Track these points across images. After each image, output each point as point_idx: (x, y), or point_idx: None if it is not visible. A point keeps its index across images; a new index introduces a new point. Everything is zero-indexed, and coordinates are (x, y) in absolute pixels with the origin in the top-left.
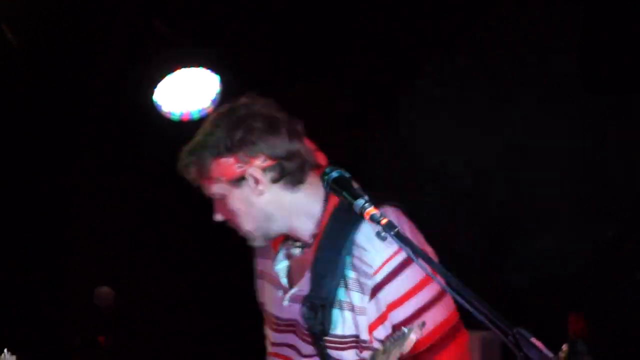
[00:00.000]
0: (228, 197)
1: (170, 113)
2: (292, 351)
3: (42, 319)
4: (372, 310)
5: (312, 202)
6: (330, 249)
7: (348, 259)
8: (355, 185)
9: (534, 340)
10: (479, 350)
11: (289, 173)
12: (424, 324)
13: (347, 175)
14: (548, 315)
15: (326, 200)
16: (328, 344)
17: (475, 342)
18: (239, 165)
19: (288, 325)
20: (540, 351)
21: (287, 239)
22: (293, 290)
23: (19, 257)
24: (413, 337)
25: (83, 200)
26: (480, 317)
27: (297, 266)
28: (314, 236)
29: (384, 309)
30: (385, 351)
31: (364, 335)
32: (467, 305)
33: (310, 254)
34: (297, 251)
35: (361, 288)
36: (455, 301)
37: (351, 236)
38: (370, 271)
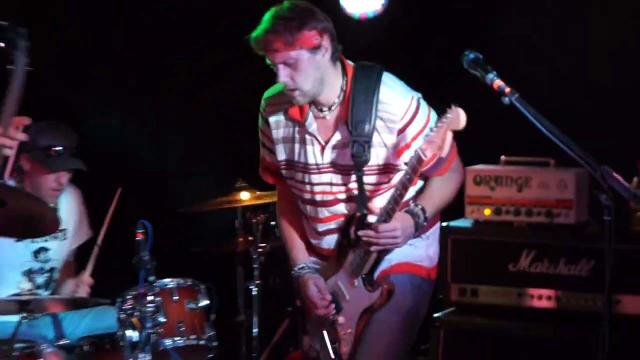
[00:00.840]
0: (302, 61)
1: (352, 13)
2: (327, 187)
3: None
4: (399, 142)
5: (338, 75)
6: (361, 108)
7: (376, 113)
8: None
9: (615, 174)
10: (574, 183)
11: (337, 50)
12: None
13: (481, 56)
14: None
15: (345, 73)
16: (366, 171)
17: (571, 177)
18: (316, 37)
19: (328, 166)
20: (620, 182)
21: (311, 105)
22: (333, 140)
23: None
24: (463, 115)
25: None
26: (575, 157)
27: (324, 125)
28: (340, 98)
29: (408, 140)
30: (439, 128)
31: (393, 160)
32: (564, 147)
33: (341, 111)
34: (325, 113)
35: (390, 130)
36: (554, 144)
37: (375, 95)
38: (396, 118)
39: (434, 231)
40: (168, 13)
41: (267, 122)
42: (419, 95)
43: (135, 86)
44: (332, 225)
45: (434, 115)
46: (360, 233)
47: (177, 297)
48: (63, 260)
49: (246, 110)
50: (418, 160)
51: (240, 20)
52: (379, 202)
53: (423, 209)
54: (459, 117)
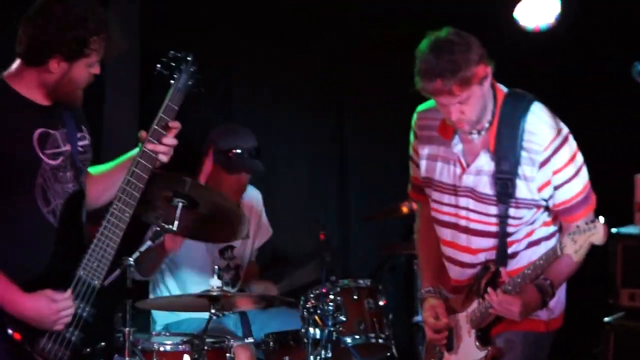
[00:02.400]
0: (473, 96)
1: (525, 26)
2: (462, 211)
3: None
4: (540, 177)
5: (490, 99)
6: (507, 136)
7: (520, 143)
8: None
9: None
10: None
11: (491, 81)
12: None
13: None
14: None
15: (495, 97)
16: (510, 204)
17: None
18: (484, 68)
19: (467, 191)
20: None
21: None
22: (474, 166)
23: None
24: (604, 233)
25: None
26: None
27: (469, 148)
28: (489, 123)
29: (549, 174)
30: (584, 232)
31: (534, 196)
32: None
33: (486, 137)
34: (475, 136)
35: (532, 162)
36: None
37: (522, 125)
38: (540, 149)
39: None
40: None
41: (416, 136)
42: (568, 130)
43: (320, 94)
44: (461, 256)
45: (580, 157)
46: (486, 296)
47: (357, 297)
48: (247, 259)
49: None
50: (554, 252)
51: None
52: (517, 247)
53: (552, 285)
54: (600, 233)
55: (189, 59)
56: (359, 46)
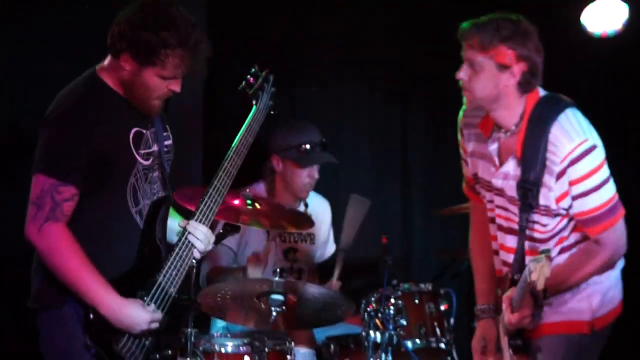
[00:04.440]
0: (484, 71)
1: (593, 32)
2: (500, 210)
3: None
4: (558, 188)
5: (520, 102)
6: (533, 144)
7: (544, 153)
8: None
9: None
10: None
11: (528, 84)
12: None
13: None
14: None
15: (527, 101)
16: (534, 211)
17: None
18: (510, 58)
19: (498, 191)
20: None
21: (496, 125)
22: (502, 169)
23: None
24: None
25: None
26: None
27: (502, 148)
28: (517, 126)
29: (566, 186)
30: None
31: (553, 206)
32: None
33: (514, 141)
34: (502, 136)
35: (551, 172)
36: None
37: (546, 134)
38: (558, 161)
39: (599, 279)
40: None
41: (462, 134)
42: (595, 142)
43: (382, 92)
44: (501, 253)
45: (604, 171)
46: (505, 320)
47: (418, 301)
48: (310, 264)
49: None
50: (524, 279)
51: None
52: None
53: (544, 291)
54: (546, 266)
55: (270, 78)
56: (423, 48)
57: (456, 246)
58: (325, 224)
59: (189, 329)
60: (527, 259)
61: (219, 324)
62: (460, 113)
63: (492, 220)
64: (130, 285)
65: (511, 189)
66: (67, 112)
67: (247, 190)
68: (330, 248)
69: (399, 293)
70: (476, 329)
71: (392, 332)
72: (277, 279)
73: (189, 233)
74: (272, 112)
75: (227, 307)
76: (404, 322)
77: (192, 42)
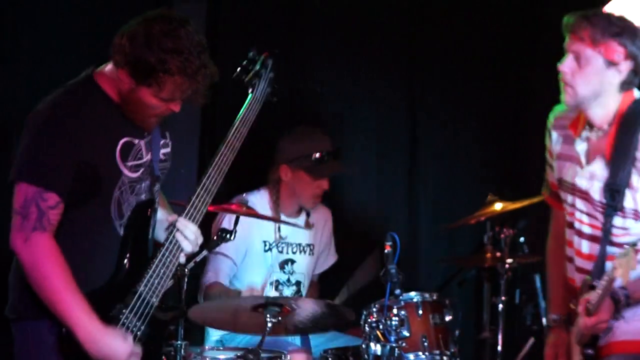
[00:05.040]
0: (591, 66)
1: None
2: (581, 214)
3: None
4: None
5: (616, 101)
6: (624, 145)
7: (634, 153)
8: None
9: None
10: None
11: (630, 83)
12: None
13: None
14: None
15: (619, 102)
16: (617, 214)
17: None
18: (619, 55)
19: (582, 193)
20: None
21: (587, 124)
22: (588, 168)
23: None
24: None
25: None
26: None
27: (592, 147)
28: (609, 125)
29: None
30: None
31: (638, 207)
32: None
33: (605, 142)
34: (593, 135)
35: (639, 173)
36: None
37: (637, 137)
38: None
39: None
40: None
41: (550, 137)
42: None
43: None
44: (576, 259)
45: None
46: (580, 324)
47: (422, 312)
48: (309, 276)
49: (499, 124)
50: (608, 275)
51: None
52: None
53: (627, 296)
54: (633, 259)
55: (269, 62)
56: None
57: (462, 254)
58: (326, 233)
59: (179, 341)
60: (607, 264)
61: (212, 337)
62: (550, 117)
63: (570, 225)
64: (112, 300)
65: (596, 191)
66: (53, 118)
67: (244, 195)
68: (332, 258)
69: (402, 303)
70: (549, 338)
71: (394, 345)
72: (272, 293)
73: (178, 230)
74: (272, 100)
75: (221, 316)
76: (407, 334)
77: (193, 71)
